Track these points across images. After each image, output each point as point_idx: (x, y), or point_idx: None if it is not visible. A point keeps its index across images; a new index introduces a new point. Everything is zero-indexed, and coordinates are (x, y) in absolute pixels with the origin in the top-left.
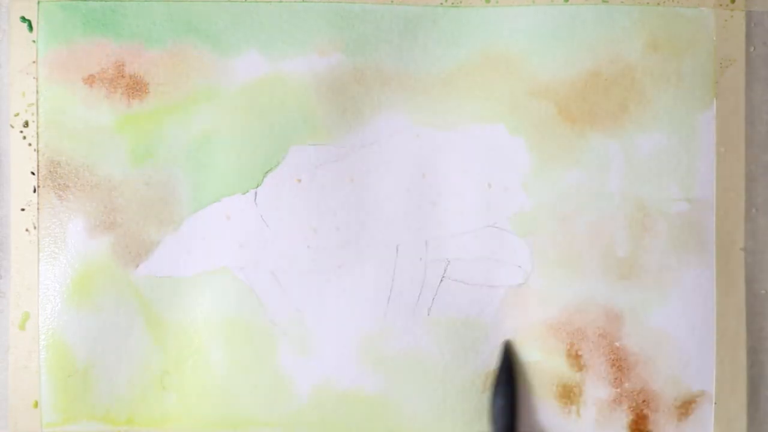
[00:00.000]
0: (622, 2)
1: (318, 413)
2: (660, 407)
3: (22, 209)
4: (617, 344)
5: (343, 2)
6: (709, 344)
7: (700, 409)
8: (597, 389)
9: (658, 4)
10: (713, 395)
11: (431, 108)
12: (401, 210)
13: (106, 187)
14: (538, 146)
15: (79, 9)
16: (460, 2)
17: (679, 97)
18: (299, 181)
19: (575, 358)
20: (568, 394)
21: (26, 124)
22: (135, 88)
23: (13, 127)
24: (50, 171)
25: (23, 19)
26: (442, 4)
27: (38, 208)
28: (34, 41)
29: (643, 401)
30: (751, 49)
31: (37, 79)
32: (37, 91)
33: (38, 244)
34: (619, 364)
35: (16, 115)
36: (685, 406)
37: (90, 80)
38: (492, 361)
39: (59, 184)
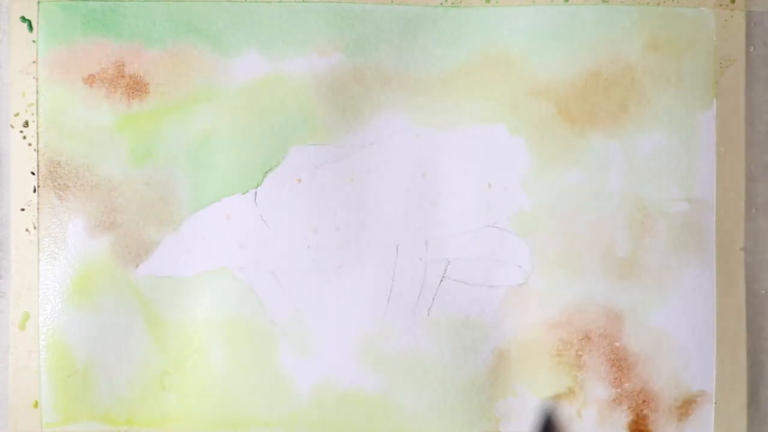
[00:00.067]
0: (622, 2)
1: (318, 413)
2: (660, 407)
3: (22, 209)
4: (617, 344)
5: (343, 2)
6: (709, 344)
7: (700, 409)
8: (597, 389)
9: (658, 4)
10: (713, 395)
11: (431, 108)
12: (401, 210)
13: (106, 187)
14: (538, 146)
15: (79, 9)
16: (460, 2)
17: (679, 97)
18: (299, 181)
19: (575, 358)
20: (568, 394)
21: (26, 124)
22: (135, 88)
23: (13, 127)
24: (50, 171)
25: (23, 19)
26: (442, 4)
27: (38, 208)
28: (34, 41)
29: (643, 401)
30: (751, 49)
31: (37, 79)
32: (37, 91)
33: (38, 244)
34: (619, 364)
35: (16, 115)
36: (685, 406)
37: (90, 80)
38: (492, 360)
39: (59, 184)
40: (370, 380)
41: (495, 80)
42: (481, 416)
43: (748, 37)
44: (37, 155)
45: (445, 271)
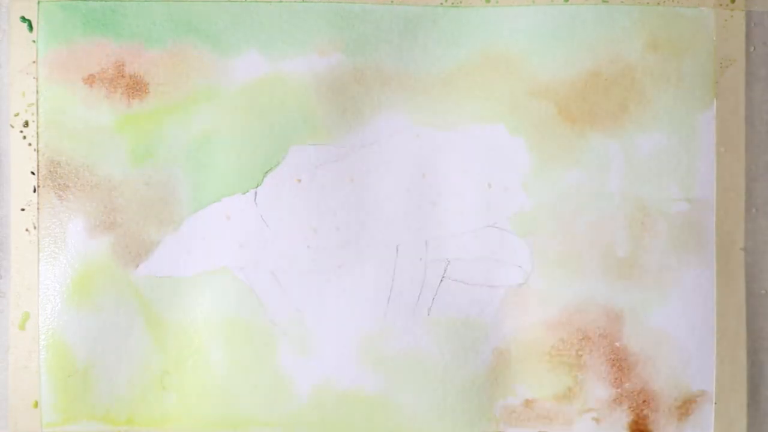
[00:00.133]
0: (622, 2)
1: (318, 413)
2: (660, 407)
3: (22, 209)
4: (617, 344)
5: (343, 2)
6: (709, 344)
7: (700, 409)
8: (597, 389)
9: (658, 4)
10: (713, 395)
11: (431, 108)
12: (401, 210)
13: (106, 187)
14: (538, 146)
15: (79, 9)
16: (460, 2)
17: (679, 97)
18: (299, 181)
19: (575, 358)
20: (568, 394)
21: (26, 124)
22: (135, 88)
23: (13, 127)
24: (50, 171)
25: (23, 19)
26: (442, 4)
27: (38, 208)
28: (34, 41)
29: (643, 401)
30: (751, 49)
31: (37, 79)
32: (37, 91)
33: (38, 244)
34: (619, 364)
35: (16, 115)
36: (685, 406)
37: (90, 80)
38: (492, 360)
39: (59, 184)
40: (370, 380)
41: (495, 80)
42: (481, 416)
43: (748, 37)
44: (37, 155)
45: (445, 271)
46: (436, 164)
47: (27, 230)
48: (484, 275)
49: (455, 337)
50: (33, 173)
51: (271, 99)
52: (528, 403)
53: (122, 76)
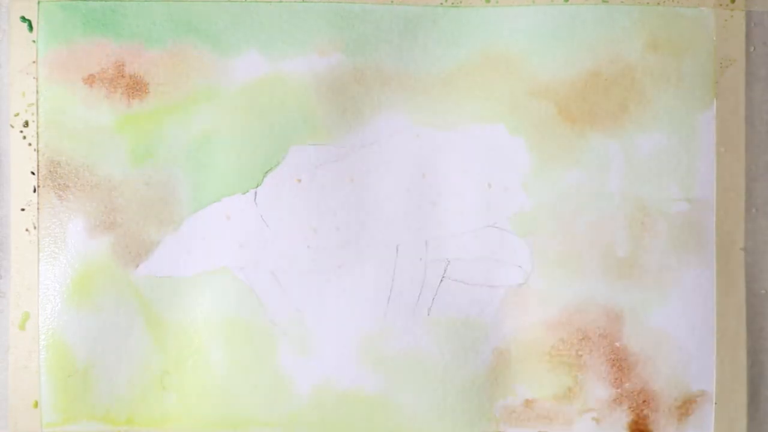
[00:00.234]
0: (622, 2)
1: (318, 413)
2: (660, 407)
3: (22, 209)
4: (617, 344)
5: (343, 2)
6: (709, 344)
7: (700, 409)
8: (597, 389)
9: (658, 4)
10: (713, 395)
11: (431, 108)
12: (401, 210)
13: (106, 187)
14: (538, 146)
15: (79, 9)
16: (460, 2)
17: (679, 97)
18: (299, 181)
19: (575, 358)
20: (568, 394)
21: (26, 124)
22: (135, 88)
23: (13, 127)
24: (50, 171)
25: (23, 19)
26: (442, 4)
27: (38, 208)
28: (34, 41)
29: (644, 401)
30: (751, 49)
31: (37, 79)
32: (37, 91)
33: (38, 244)
34: (619, 364)
35: (16, 115)
36: (685, 406)
37: (90, 80)
38: (492, 360)
39: (59, 184)
40: (370, 380)
41: (495, 80)
42: (481, 416)
43: (748, 37)
44: (37, 155)
45: (445, 271)
46: (436, 164)
47: (27, 230)
48: (484, 275)
49: (455, 337)
50: (33, 173)
51: (271, 99)
52: (528, 403)
53: (122, 76)
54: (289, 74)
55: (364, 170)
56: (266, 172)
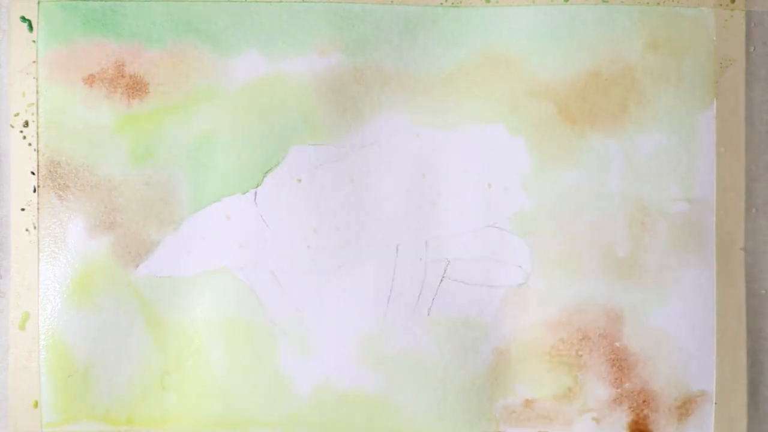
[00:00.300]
0: (622, 2)
1: (318, 413)
2: (660, 407)
3: (22, 209)
4: (617, 344)
5: (343, 2)
6: (709, 344)
7: (700, 409)
8: (597, 389)
9: (658, 4)
10: (713, 395)
11: (431, 108)
12: (401, 210)
13: (106, 187)
14: (538, 146)
15: (79, 9)
16: (460, 2)
17: (679, 97)
18: (299, 181)
19: (575, 358)
20: (568, 394)
21: (26, 124)
22: (135, 88)
23: (13, 127)
24: (50, 171)
25: (23, 19)
26: (442, 4)
27: (38, 208)
28: (34, 41)
29: (644, 401)
30: (751, 49)
31: (37, 79)
32: (37, 91)
33: (38, 244)
34: (619, 364)
35: (16, 115)
36: (685, 406)
37: (90, 80)
38: (492, 360)
39: (59, 184)
40: (370, 380)
41: (495, 80)
42: (481, 416)
43: (748, 37)
44: (37, 155)
45: (445, 271)
46: (436, 164)
47: (27, 230)
48: (484, 275)
49: (455, 337)
50: (33, 173)
51: (271, 99)
52: (528, 403)
53: (122, 76)
54: (289, 74)
55: (364, 170)
56: (266, 172)
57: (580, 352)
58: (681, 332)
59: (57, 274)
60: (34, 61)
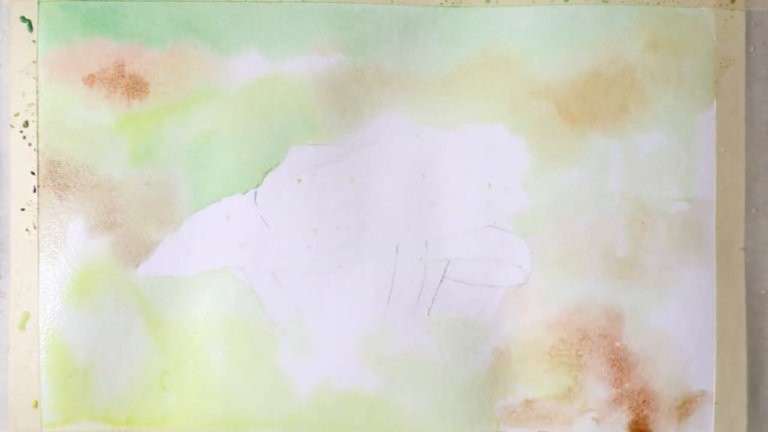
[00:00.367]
0: (622, 2)
1: (318, 413)
2: (660, 407)
3: (22, 209)
4: (617, 344)
5: (343, 2)
6: (709, 344)
7: (700, 409)
8: (597, 389)
9: (658, 4)
10: (713, 395)
11: (431, 108)
12: (401, 210)
13: (106, 187)
14: (538, 146)
15: (79, 9)
16: (460, 2)
17: (679, 97)
18: (299, 181)
19: (575, 358)
20: (568, 394)
21: (26, 124)
22: (135, 88)
23: (13, 127)
24: (50, 171)
25: (23, 19)
26: (442, 4)
27: (38, 208)
28: (34, 41)
29: (644, 401)
30: (751, 49)
31: (37, 79)
32: (37, 91)
33: (38, 244)
34: (619, 364)
35: (16, 115)
36: (686, 406)
37: (90, 80)
38: (492, 360)
39: (59, 184)
40: (370, 380)
41: (495, 80)
42: (481, 416)
43: (748, 37)
44: (37, 155)
45: (445, 271)
46: (436, 164)
47: (27, 230)
48: (484, 275)
49: (455, 337)
50: (33, 173)
51: (271, 99)
52: (528, 403)
53: (122, 76)
54: (289, 74)
55: (364, 170)
56: (266, 172)
57: (580, 352)
58: (681, 332)
59: (57, 274)
60: (34, 61)
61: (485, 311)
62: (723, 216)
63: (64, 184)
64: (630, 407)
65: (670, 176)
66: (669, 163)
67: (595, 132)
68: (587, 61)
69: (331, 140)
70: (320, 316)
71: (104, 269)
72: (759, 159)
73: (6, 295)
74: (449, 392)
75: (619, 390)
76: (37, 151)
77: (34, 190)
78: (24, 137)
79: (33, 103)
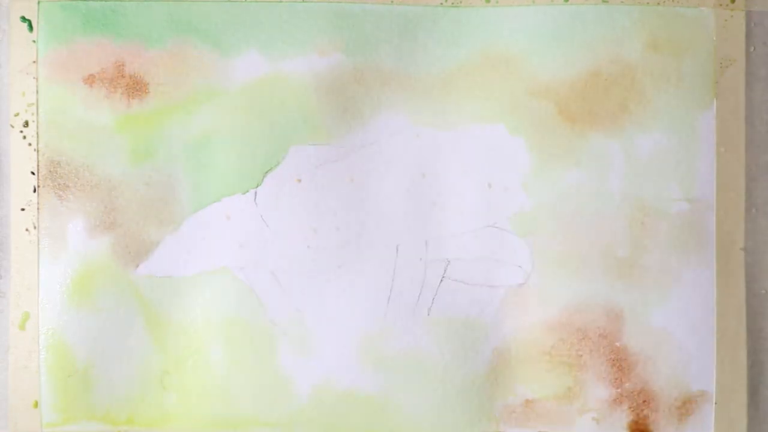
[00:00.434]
0: (622, 2)
1: (318, 413)
2: (660, 407)
3: (22, 209)
4: (617, 344)
5: (343, 2)
6: (709, 344)
7: (700, 409)
8: (597, 389)
9: (658, 4)
10: (713, 395)
11: (431, 108)
12: (401, 210)
13: (106, 187)
14: (538, 146)
15: (79, 9)
16: (460, 2)
17: (679, 97)
18: (299, 181)
19: (575, 358)
20: (568, 394)
21: (26, 124)
22: (135, 88)
23: (13, 127)
24: (50, 171)
25: (23, 19)
26: (442, 4)
27: (38, 208)
28: (34, 41)
29: (644, 401)
30: (751, 49)
31: (37, 79)
32: (37, 91)
33: (38, 244)
34: (620, 364)
35: (16, 115)
36: (686, 406)
37: (90, 80)
38: (492, 360)
39: (59, 184)
40: (370, 380)
41: (495, 80)
42: (481, 416)
43: (748, 37)
44: (37, 155)
45: (445, 271)
46: (436, 164)
47: (27, 230)
48: (484, 275)
49: (455, 337)
50: (33, 173)
51: (271, 99)
52: (528, 403)
53: (122, 76)
54: (289, 74)
55: (364, 170)
56: (266, 172)
57: (580, 352)
58: (681, 332)
59: (57, 274)
60: (34, 61)
61: (485, 311)
62: (723, 216)
63: (64, 184)
64: (630, 407)
65: (670, 176)
66: (669, 163)
67: (595, 132)
68: (587, 61)
69: (331, 140)
70: (320, 316)
71: (104, 269)
72: (759, 159)
73: (6, 295)
74: (449, 392)
75: (619, 390)
76: (37, 151)
77: (34, 190)
78: (24, 137)
79: (33, 103)
